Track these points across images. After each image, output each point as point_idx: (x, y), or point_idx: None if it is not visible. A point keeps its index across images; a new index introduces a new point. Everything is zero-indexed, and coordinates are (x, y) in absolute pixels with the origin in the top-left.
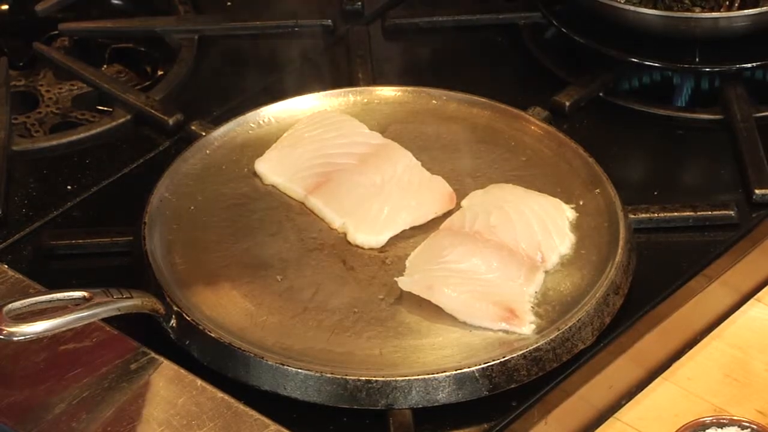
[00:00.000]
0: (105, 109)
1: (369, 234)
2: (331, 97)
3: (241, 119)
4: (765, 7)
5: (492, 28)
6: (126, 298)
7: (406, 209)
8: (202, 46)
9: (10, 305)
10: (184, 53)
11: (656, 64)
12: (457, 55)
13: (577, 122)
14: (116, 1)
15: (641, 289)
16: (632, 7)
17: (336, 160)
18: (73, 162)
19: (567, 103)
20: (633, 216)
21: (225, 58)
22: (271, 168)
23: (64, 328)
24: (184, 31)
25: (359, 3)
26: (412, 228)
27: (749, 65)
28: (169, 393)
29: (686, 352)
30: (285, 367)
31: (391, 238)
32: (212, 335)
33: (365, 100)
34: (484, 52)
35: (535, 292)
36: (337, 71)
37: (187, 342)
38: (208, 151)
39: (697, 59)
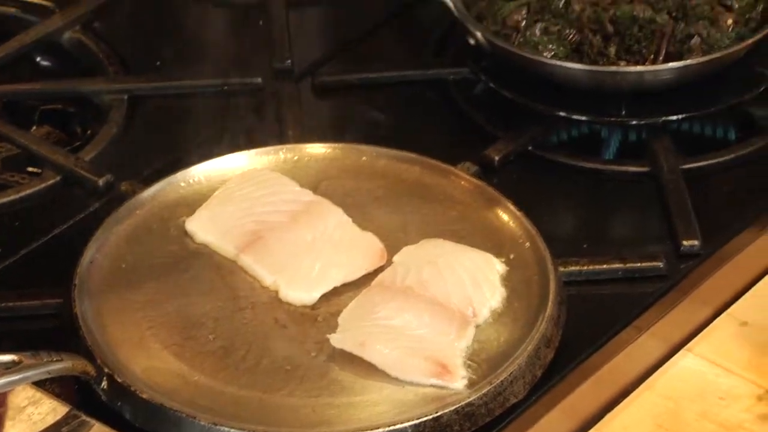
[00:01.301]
0: (34, 170)
1: (300, 291)
2: (262, 155)
3: (171, 178)
4: (689, 61)
5: (421, 83)
6: (56, 360)
7: (337, 266)
8: (132, 106)
9: None
10: (114, 113)
11: (583, 118)
12: (386, 111)
13: (507, 176)
14: (45, 63)
15: (572, 341)
16: (558, 62)
17: (267, 218)
18: (2, 224)
19: (496, 158)
20: (563, 269)
21: (155, 118)
22: (201, 227)
23: None
24: (114, 92)
25: (289, 61)
26: (344, 284)
27: (675, 117)
28: None
29: (618, 404)
30: (218, 427)
31: (323, 295)
32: (143, 396)
33: (296, 158)
34: (413, 108)
35: (467, 347)
36: (267, 129)
37: (119, 403)
38: (138, 212)
39: (623, 112)
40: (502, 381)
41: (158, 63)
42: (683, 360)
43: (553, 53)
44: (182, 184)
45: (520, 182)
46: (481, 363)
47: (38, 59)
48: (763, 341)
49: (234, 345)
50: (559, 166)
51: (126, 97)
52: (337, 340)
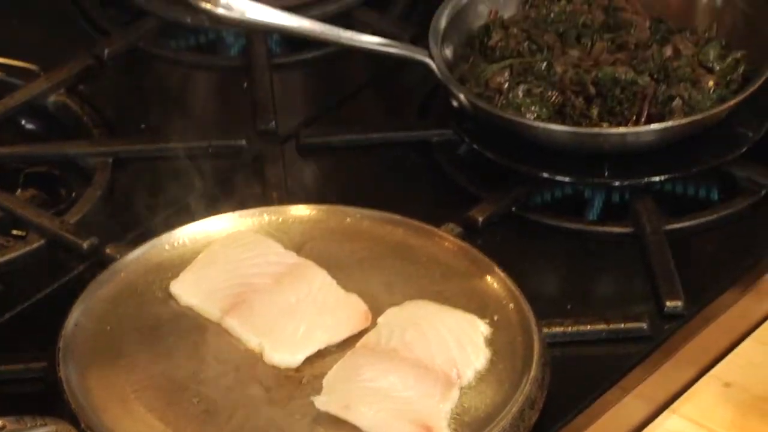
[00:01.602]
0: (19, 233)
1: (285, 353)
2: (246, 217)
3: (155, 241)
4: (671, 122)
5: (405, 145)
6: (41, 425)
7: (321, 328)
8: (117, 169)
9: None
10: (99, 176)
11: (567, 179)
12: (370, 172)
13: (491, 237)
14: (30, 126)
15: (556, 403)
16: (541, 124)
17: (251, 281)
18: None
19: (480, 219)
20: (547, 330)
21: (139, 180)
22: (186, 289)
23: None
24: (98, 154)
25: (273, 123)
26: (329, 346)
27: (658, 178)
28: None
29: None
30: None
31: (308, 357)
32: None
33: (280, 219)
34: (397, 170)
35: (452, 409)
36: (251, 191)
37: None
38: (123, 274)
39: (606, 173)
40: None
41: (143, 126)
42: (668, 421)
43: (536, 115)
44: (167, 246)
45: (504, 243)
46: (466, 425)
47: (23, 122)
48: (747, 402)
49: (218, 409)
50: (543, 227)
51: (111, 159)
52: (321, 402)
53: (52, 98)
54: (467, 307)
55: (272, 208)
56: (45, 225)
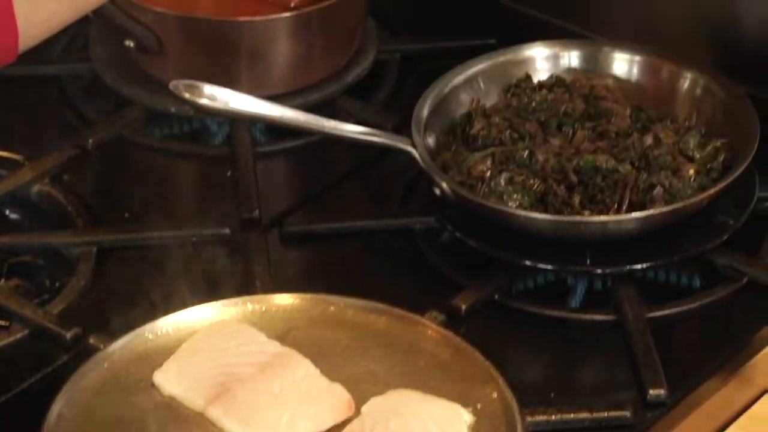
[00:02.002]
0: (2, 323)
1: None
2: (229, 306)
3: (139, 331)
4: (651, 211)
5: (388, 233)
6: None
7: (305, 417)
8: (100, 258)
9: None
10: (82, 266)
11: (549, 267)
12: (353, 260)
13: (474, 325)
14: (14, 216)
15: None
16: (523, 212)
17: (235, 370)
18: None
19: (463, 307)
20: (530, 419)
21: (123, 270)
22: (169, 379)
23: None
24: (82, 244)
25: (256, 211)
26: None
27: (639, 266)
28: None
29: None
30: None
31: None
32: None
33: (263, 308)
34: (380, 257)
35: None
36: (235, 280)
37: None
38: (106, 365)
39: (588, 261)
40: None
41: (127, 214)
42: None
43: (518, 203)
44: (150, 336)
45: (487, 331)
46: None
47: (7, 212)
48: None
49: None
50: (526, 315)
51: (94, 249)
52: None
53: (36, 188)
54: (451, 396)
55: (256, 297)
56: (28, 315)
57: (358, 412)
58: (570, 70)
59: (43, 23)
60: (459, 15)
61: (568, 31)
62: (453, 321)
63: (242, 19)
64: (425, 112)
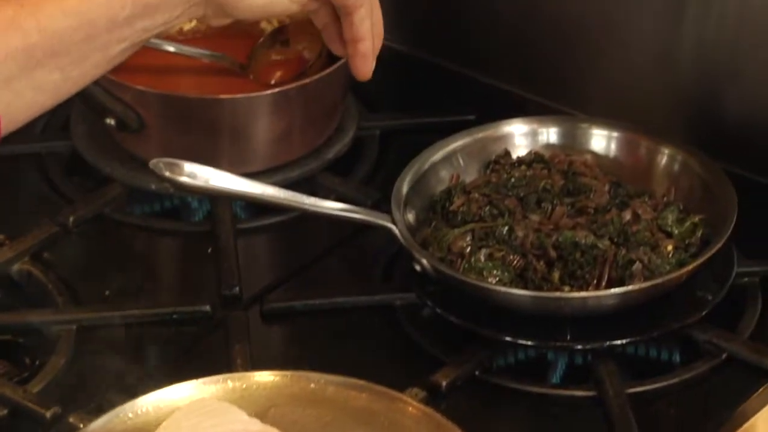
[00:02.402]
0: None
1: None
2: (210, 384)
3: (119, 410)
4: (630, 287)
5: (368, 309)
6: None
7: None
8: (81, 337)
9: None
10: (62, 344)
11: (529, 343)
12: (334, 337)
13: (455, 401)
14: None
15: None
16: (503, 288)
17: None
18: None
19: (444, 383)
20: None
21: (103, 348)
22: None
23: None
24: (62, 322)
25: (237, 288)
26: None
27: (619, 342)
28: None
29: None
30: None
31: None
32: None
33: (244, 386)
34: (361, 334)
35: None
36: (215, 357)
37: None
38: None
39: (568, 336)
40: None
41: (107, 292)
42: None
43: (497, 279)
44: (130, 414)
45: (468, 407)
46: None
47: None
48: None
49: None
50: (506, 391)
51: (74, 327)
52: None
53: (16, 266)
54: None
55: (236, 375)
56: (8, 394)
57: None
58: (549, 145)
59: (24, 110)
60: (438, 91)
61: (547, 107)
62: (434, 397)
63: (223, 96)
64: (405, 189)
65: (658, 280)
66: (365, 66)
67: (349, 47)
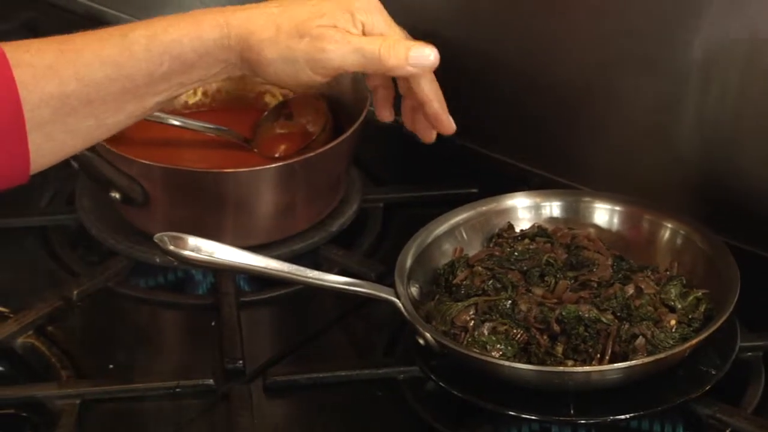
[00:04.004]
0: None
1: None
2: None
3: None
4: (634, 361)
5: (372, 382)
6: None
7: None
8: (84, 411)
9: None
10: (66, 419)
11: (533, 417)
12: (338, 410)
13: None
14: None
15: None
16: (506, 362)
17: None
18: None
19: None
20: None
21: (107, 422)
22: None
23: None
24: (66, 396)
25: (240, 362)
26: None
27: (623, 417)
28: None
29: None
30: None
31: None
32: None
33: None
34: (364, 408)
35: None
36: (219, 431)
37: None
38: None
39: (572, 411)
40: None
41: (111, 366)
42: None
43: (501, 353)
44: None
45: None
46: None
47: None
48: None
49: None
50: None
51: (78, 401)
52: None
53: (20, 340)
54: None
55: None
56: None
57: None
58: (552, 219)
59: (54, 153)
60: (442, 164)
61: (550, 181)
62: None
63: (227, 170)
64: (408, 262)
65: (662, 355)
66: (442, 126)
67: (420, 114)
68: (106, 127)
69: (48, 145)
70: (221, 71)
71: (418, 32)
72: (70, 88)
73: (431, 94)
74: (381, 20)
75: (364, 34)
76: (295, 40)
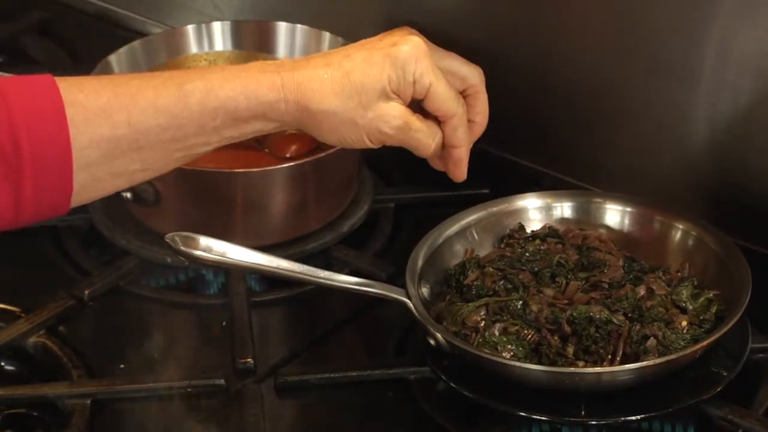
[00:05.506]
0: None
1: None
2: None
3: None
4: (645, 362)
5: (383, 383)
6: None
7: None
8: (95, 410)
9: None
10: (76, 418)
11: (544, 418)
12: (348, 411)
13: None
14: (9, 367)
15: None
16: (517, 363)
17: None
18: None
19: None
20: None
21: (118, 422)
22: None
23: None
24: (77, 396)
25: (251, 361)
26: None
27: (634, 417)
28: None
29: None
30: None
31: None
32: None
33: None
34: (375, 408)
35: None
36: (229, 430)
37: None
38: None
39: (583, 412)
40: None
41: (122, 365)
42: None
43: (512, 354)
44: None
45: None
46: None
47: (2, 363)
48: None
49: None
50: None
51: (89, 401)
52: None
53: (32, 339)
54: None
55: None
56: None
57: None
58: (563, 220)
59: (97, 191)
60: None
61: (561, 181)
62: None
63: (238, 170)
64: (419, 263)
65: (673, 356)
66: (458, 171)
67: (444, 152)
68: (152, 171)
69: (92, 184)
70: (277, 128)
71: (432, 33)
72: (121, 132)
73: (463, 141)
74: (427, 66)
75: (414, 92)
76: (360, 112)
